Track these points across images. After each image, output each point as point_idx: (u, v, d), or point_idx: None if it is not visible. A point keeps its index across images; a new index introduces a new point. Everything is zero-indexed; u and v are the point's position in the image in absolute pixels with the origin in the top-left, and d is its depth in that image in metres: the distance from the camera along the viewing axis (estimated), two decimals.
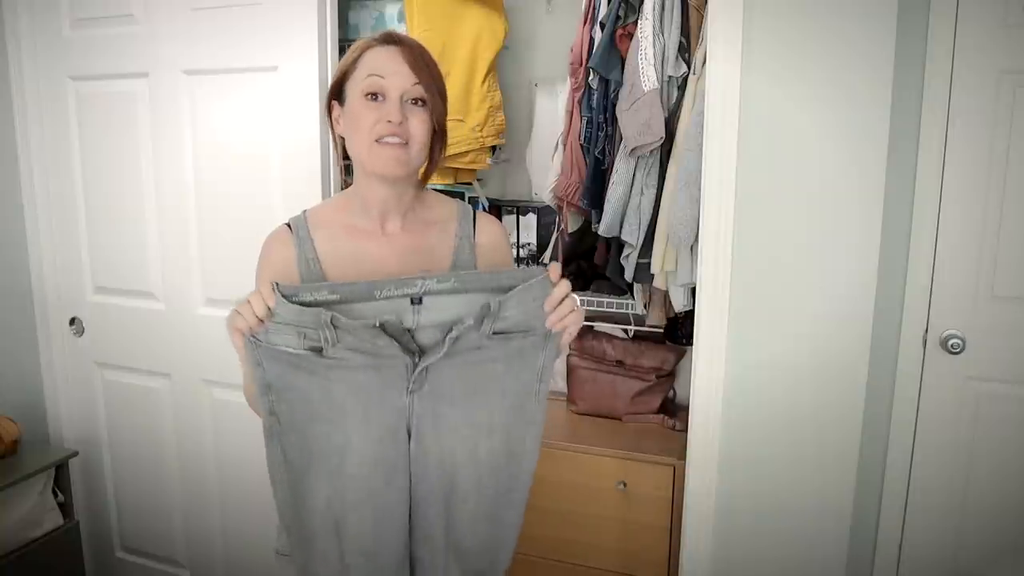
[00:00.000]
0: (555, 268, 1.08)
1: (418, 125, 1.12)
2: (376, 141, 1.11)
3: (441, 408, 1.11)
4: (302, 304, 1.02)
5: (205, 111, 2.00)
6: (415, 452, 1.12)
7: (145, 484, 2.30)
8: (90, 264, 2.24)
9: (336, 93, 1.17)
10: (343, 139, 1.18)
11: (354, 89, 1.12)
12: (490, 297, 1.06)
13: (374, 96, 1.11)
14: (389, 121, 1.09)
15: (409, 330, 1.07)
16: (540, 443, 1.18)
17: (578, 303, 1.10)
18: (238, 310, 1.04)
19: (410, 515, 1.16)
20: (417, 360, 1.07)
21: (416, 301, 1.06)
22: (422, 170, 1.22)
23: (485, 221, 1.27)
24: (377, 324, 1.03)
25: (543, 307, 1.08)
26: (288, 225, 1.21)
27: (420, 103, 1.12)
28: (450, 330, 1.06)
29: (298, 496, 1.11)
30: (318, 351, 1.04)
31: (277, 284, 1.03)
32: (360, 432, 1.09)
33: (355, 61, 1.13)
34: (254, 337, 1.04)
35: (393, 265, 1.18)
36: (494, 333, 1.07)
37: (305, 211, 1.23)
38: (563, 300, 1.08)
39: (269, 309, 1.02)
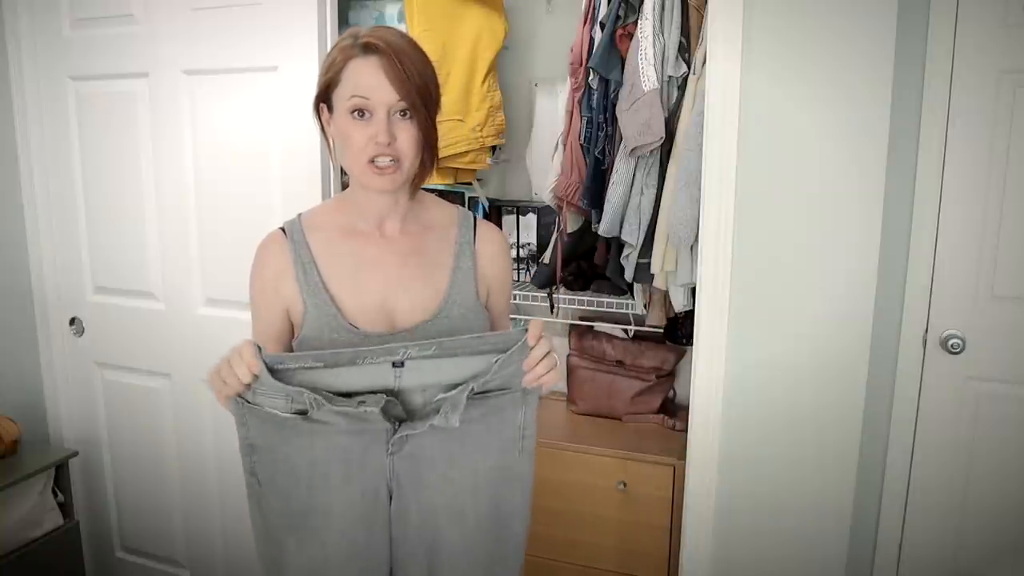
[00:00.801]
0: (535, 328, 1.05)
1: (407, 139, 1.09)
2: (368, 162, 1.09)
3: (421, 470, 1.10)
4: (286, 370, 1.02)
5: (205, 111, 2.00)
6: (395, 511, 1.12)
7: (145, 484, 2.30)
8: (90, 264, 2.24)
9: (323, 98, 1.14)
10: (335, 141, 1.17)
11: (340, 104, 1.10)
12: (471, 361, 1.05)
13: (360, 113, 1.08)
14: (378, 142, 1.07)
15: (393, 393, 1.06)
16: (530, 499, 1.16)
17: (557, 363, 1.08)
18: (222, 376, 1.01)
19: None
20: (397, 426, 1.07)
21: (398, 364, 1.06)
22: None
23: (486, 229, 1.26)
24: (357, 407, 1.03)
25: (520, 370, 1.06)
26: (282, 229, 1.19)
27: (408, 113, 1.09)
28: (435, 411, 1.05)
29: (277, 554, 1.11)
30: (303, 413, 1.04)
31: (261, 350, 1.01)
32: (341, 494, 1.09)
33: (339, 72, 1.09)
34: (241, 397, 1.03)
35: (393, 267, 1.17)
36: (473, 394, 1.07)
37: (299, 214, 1.22)
38: (541, 360, 1.06)
39: (254, 376, 1.01)
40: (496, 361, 1.05)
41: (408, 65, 1.08)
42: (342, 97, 1.09)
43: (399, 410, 1.07)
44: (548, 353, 1.07)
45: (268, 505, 1.10)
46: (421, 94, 1.09)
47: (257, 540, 1.12)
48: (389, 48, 1.07)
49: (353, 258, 1.17)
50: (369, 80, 1.07)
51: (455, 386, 1.06)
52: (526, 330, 1.05)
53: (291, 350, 1.18)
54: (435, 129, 1.15)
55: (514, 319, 2.37)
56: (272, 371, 1.01)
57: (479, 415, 1.09)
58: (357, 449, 1.08)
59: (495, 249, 1.25)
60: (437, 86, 1.14)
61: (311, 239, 1.17)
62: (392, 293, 1.16)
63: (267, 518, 1.10)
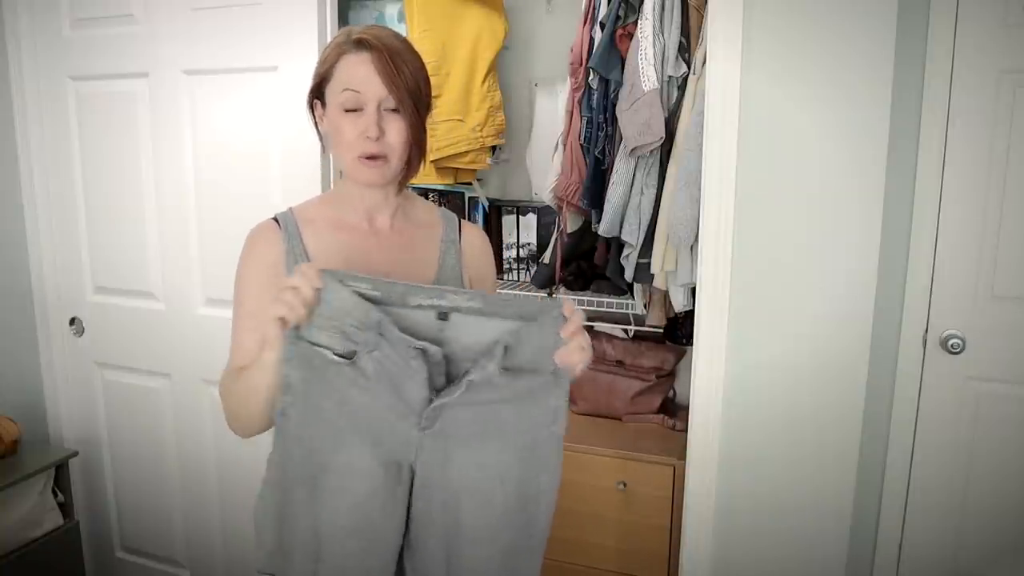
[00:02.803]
0: (568, 304, 1.06)
1: (396, 135, 1.11)
2: (358, 156, 1.11)
3: (450, 448, 1.08)
4: (344, 288, 1.00)
5: (205, 111, 2.00)
6: (418, 490, 1.09)
7: (145, 484, 2.30)
8: (90, 264, 2.24)
9: (317, 93, 1.16)
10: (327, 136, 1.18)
11: (332, 99, 1.12)
12: (510, 325, 1.05)
13: (352, 107, 1.10)
14: (368, 137, 1.09)
15: (444, 356, 1.05)
16: (556, 490, 1.14)
17: (589, 342, 1.07)
18: (281, 298, 0.99)
19: (404, 555, 1.12)
20: (433, 397, 1.05)
21: (442, 317, 1.06)
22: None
23: (469, 229, 1.29)
24: (417, 346, 1.02)
25: (553, 344, 1.05)
26: (275, 220, 1.20)
27: (398, 110, 1.11)
28: (467, 372, 1.05)
29: (283, 506, 1.09)
30: (350, 357, 1.03)
31: (323, 270, 1.00)
32: (366, 458, 1.07)
33: (331, 67, 1.11)
34: (296, 330, 1.01)
35: (383, 261, 1.18)
36: (504, 369, 1.06)
37: (291, 208, 1.22)
38: (575, 333, 1.06)
39: (316, 293, 0.99)
40: (534, 324, 1.05)
41: (399, 63, 1.10)
42: (334, 91, 1.11)
43: (441, 378, 1.06)
44: (581, 330, 1.06)
45: (289, 451, 1.07)
46: (411, 91, 1.11)
47: (269, 488, 1.10)
48: (381, 44, 1.09)
49: (344, 251, 1.18)
50: (360, 75, 1.09)
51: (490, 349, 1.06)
52: (560, 303, 1.06)
53: None
54: (424, 128, 1.16)
55: None
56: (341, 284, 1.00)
57: (512, 395, 1.08)
58: (390, 416, 1.06)
59: (478, 247, 1.29)
60: (429, 88, 1.16)
61: (304, 231, 1.18)
62: None
63: (285, 464, 1.08)
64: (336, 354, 1.03)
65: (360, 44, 1.10)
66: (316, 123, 1.19)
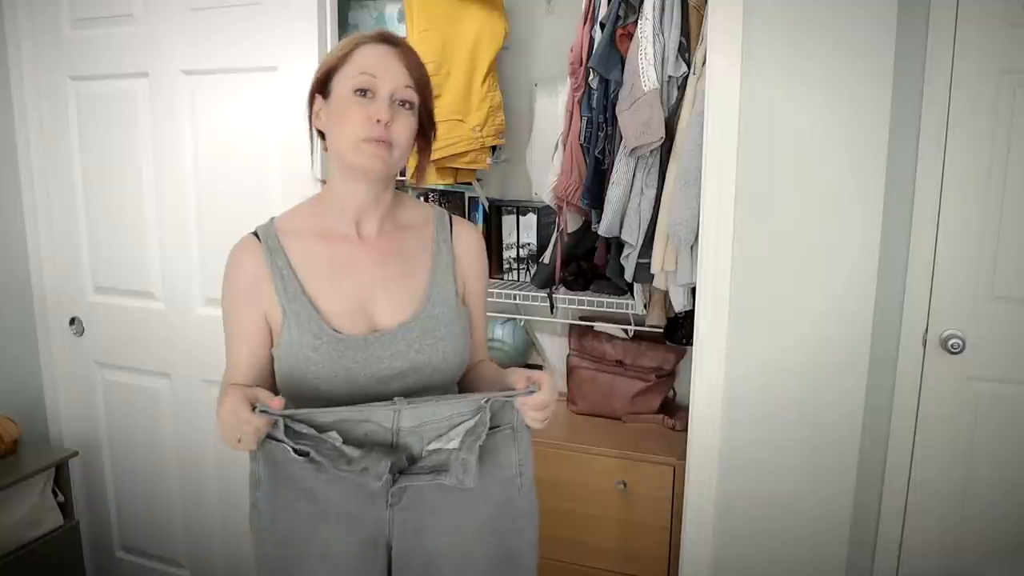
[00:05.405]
0: (546, 380, 1.06)
1: (402, 129, 1.10)
2: (362, 140, 1.09)
3: (422, 519, 1.09)
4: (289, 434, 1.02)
5: (205, 111, 2.00)
6: (397, 561, 1.10)
7: (145, 484, 2.30)
8: (90, 264, 2.24)
9: (320, 87, 1.14)
10: (320, 134, 1.18)
11: (343, 84, 1.10)
12: (465, 400, 1.07)
13: (363, 92, 1.09)
14: (378, 120, 1.07)
15: (392, 442, 1.07)
16: (538, 534, 1.16)
17: (550, 414, 1.07)
18: (238, 435, 0.96)
19: None
20: (397, 477, 1.06)
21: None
22: (412, 168, 1.22)
23: (462, 226, 1.27)
24: (360, 474, 1.03)
25: (511, 408, 1.07)
26: (255, 235, 1.17)
27: (408, 105, 1.11)
28: (440, 469, 1.06)
29: None
30: (306, 455, 1.04)
31: (266, 409, 0.98)
32: (341, 541, 1.08)
33: (346, 56, 1.10)
34: None
35: (371, 269, 1.16)
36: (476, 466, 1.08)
37: (272, 219, 1.20)
38: (537, 407, 1.06)
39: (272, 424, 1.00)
40: (486, 401, 1.06)
41: (416, 60, 1.13)
42: (347, 76, 1.10)
43: (401, 462, 1.07)
44: (549, 405, 1.06)
45: (267, 542, 1.09)
46: (423, 89, 1.13)
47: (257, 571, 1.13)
48: (404, 42, 1.13)
49: (330, 261, 1.15)
50: (380, 62, 1.10)
51: (452, 426, 1.07)
52: (532, 392, 1.05)
53: (271, 358, 1.15)
54: (433, 127, 1.17)
55: (512, 318, 2.37)
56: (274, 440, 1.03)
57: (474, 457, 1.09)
58: (357, 500, 1.07)
59: (471, 243, 1.26)
60: (432, 96, 1.17)
61: (286, 244, 1.15)
62: (371, 295, 1.15)
63: (266, 556, 1.10)
64: (294, 451, 1.03)
65: (383, 37, 1.12)
66: (310, 118, 1.17)
